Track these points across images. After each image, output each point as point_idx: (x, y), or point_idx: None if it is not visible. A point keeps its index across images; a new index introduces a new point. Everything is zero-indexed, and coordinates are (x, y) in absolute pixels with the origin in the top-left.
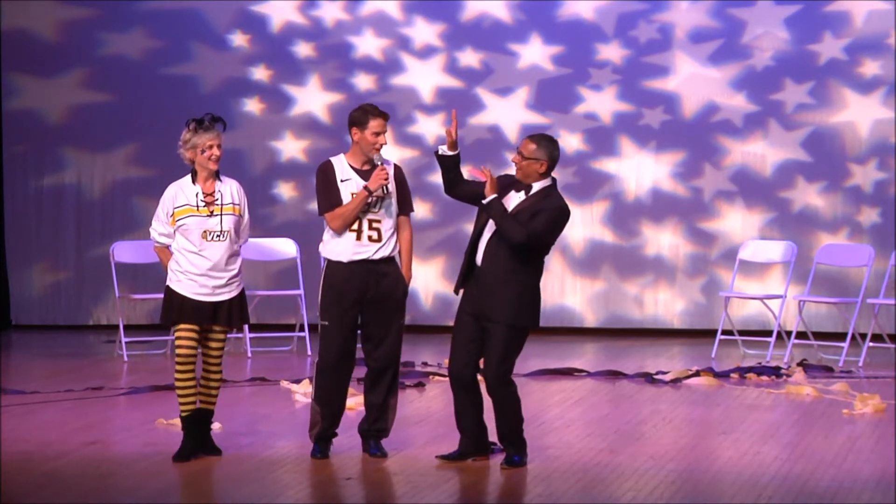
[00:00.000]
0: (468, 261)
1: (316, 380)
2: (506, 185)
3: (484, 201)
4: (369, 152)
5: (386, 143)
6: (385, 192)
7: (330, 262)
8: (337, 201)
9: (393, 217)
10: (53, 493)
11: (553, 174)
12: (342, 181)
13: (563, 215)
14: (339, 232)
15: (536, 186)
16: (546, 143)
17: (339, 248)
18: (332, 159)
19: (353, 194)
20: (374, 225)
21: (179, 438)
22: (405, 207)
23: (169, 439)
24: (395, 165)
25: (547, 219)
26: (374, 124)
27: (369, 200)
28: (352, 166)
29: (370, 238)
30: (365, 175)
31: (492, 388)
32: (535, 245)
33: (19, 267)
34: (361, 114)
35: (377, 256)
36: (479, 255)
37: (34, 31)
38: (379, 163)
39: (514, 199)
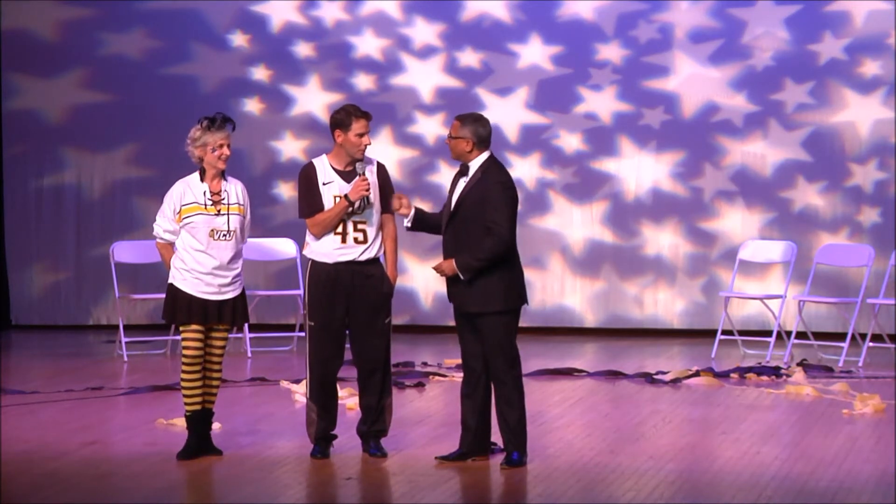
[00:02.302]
0: None
1: (308, 380)
2: (457, 176)
3: (464, 279)
4: (355, 154)
5: (371, 143)
6: (366, 202)
7: (315, 263)
8: (318, 206)
9: (378, 217)
10: (53, 493)
11: (551, 174)
12: (324, 184)
13: (507, 191)
14: (318, 238)
15: (473, 166)
16: (470, 120)
17: (325, 249)
18: (315, 161)
19: (335, 197)
20: (360, 226)
21: (179, 438)
22: (388, 206)
23: (169, 439)
24: (378, 164)
25: (498, 207)
26: (357, 126)
27: (349, 210)
28: (334, 168)
29: (356, 240)
30: (348, 177)
31: (495, 377)
32: (510, 235)
33: (19, 267)
34: (344, 115)
35: (363, 258)
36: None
37: (34, 31)
38: (361, 171)
39: (459, 185)
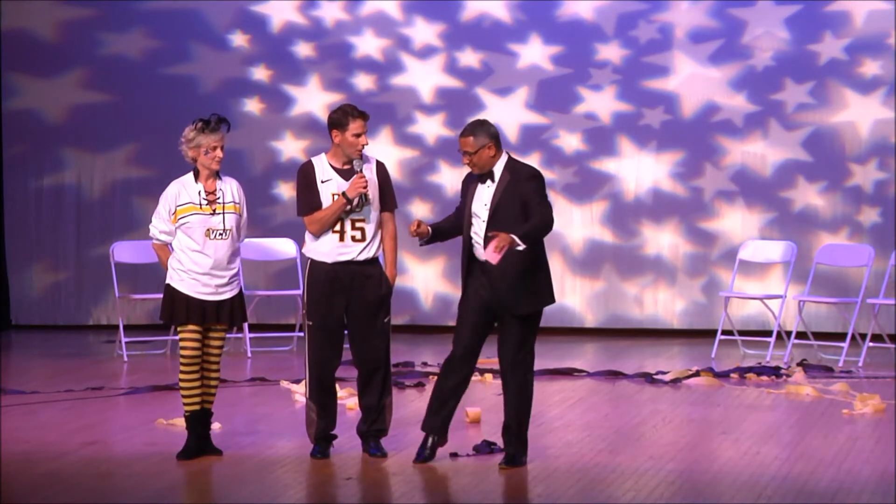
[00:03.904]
0: (467, 253)
1: (308, 379)
2: (472, 182)
3: (520, 248)
4: (352, 154)
5: (367, 143)
6: (365, 199)
7: (314, 263)
8: (316, 204)
9: (377, 216)
10: (53, 493)
11: (551, 174)
12: (322, 182)
13: (541, 180)
14: (317, 235)
15: (497, 169)
16: (479, 127)
17: (324, 248)
18: (314, 159)
19: (333, 195)
20: (358, 225)
21: (179, 438)
22: (388, 204)
23: (169, 439)
24: (378, 162)
25: (539, 197)
26: (354, 126)
27: (347, 208)
28: (333, 166)
29: (353, 238)
30: (346, 175)
31: (509, 374)
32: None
33: (19, 267)
34: (341, 115)
35: (361, 258)
36: (478, 249)
37: (34, 31)
38: (359, 169)
39: (485, 193)
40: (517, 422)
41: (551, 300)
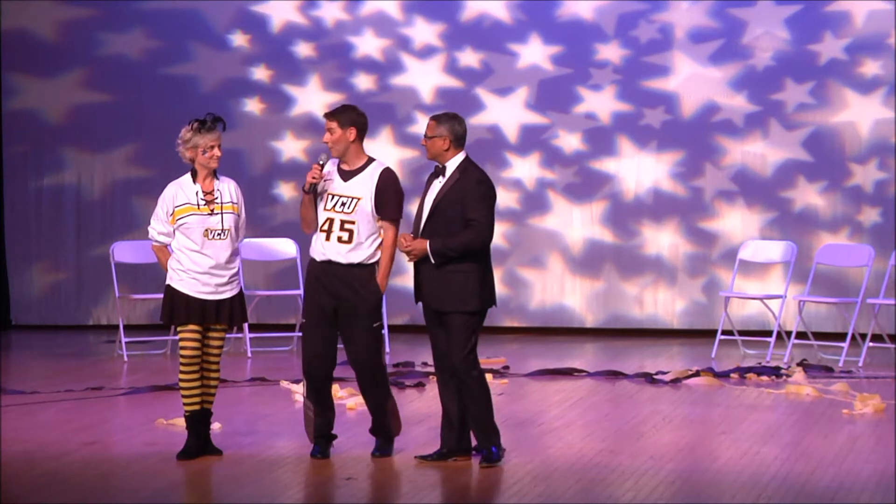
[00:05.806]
0: None
1: (304, 377)
2: (431, 177)
3: (434, 262)
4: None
5: (330, 141)
6: (314, 189)
7: (310, 261)
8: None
9: (370, 221)
10: (53, 493)
11: (551, 174)
12: (325, 181)
13: (488, 189)
14: (305, 232)
15: (450, 166)
16: (446, 119)
17: (315, 246)
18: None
19: (328, 193)
20: (346, 226)
21: (179, 438)
22: (385, 212)
23: (169, 439)
24: (385, 169)
25: (480, 205)
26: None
27: (313, 198)
28: (339, 168)
29: (339, 239)
30: (345, 175)
31: (457, 376)
32: (489, 232)
33: (19, 267)
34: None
35: (345, 261)
36: None
37: (34, 31)
38: (319, 161)
39: (436, 188)
40: (482, 416)
41: (477, 305)
